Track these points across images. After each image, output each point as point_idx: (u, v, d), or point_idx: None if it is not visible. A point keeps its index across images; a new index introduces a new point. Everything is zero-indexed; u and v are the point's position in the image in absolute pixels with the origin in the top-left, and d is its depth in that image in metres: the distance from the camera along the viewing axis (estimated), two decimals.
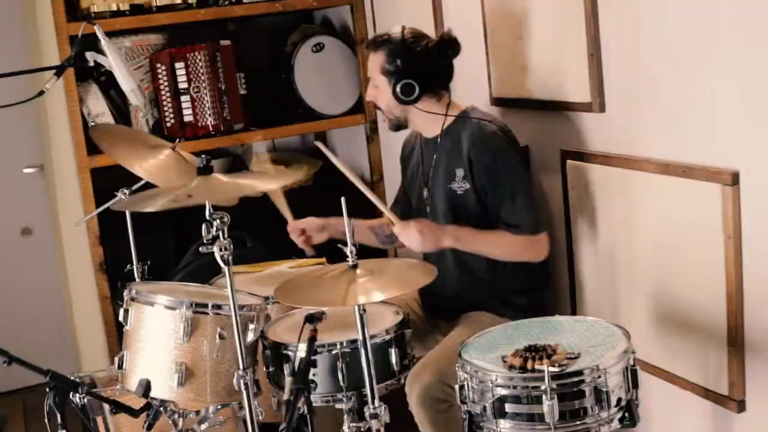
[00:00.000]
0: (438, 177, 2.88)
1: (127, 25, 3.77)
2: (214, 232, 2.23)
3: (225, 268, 2.25)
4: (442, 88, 2.87)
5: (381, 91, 2.86)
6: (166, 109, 3.88)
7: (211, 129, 3.90)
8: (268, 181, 2.54)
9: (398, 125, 2.93)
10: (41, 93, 2.59)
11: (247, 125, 4.03)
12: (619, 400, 2.13)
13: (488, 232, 2.72)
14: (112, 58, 2.70)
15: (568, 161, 2.88)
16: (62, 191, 3.87)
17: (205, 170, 2.29)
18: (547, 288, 2.99)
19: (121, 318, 2.54)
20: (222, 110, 3.90)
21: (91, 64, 2.69)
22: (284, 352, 2.54)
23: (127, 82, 2.73)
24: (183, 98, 3.87)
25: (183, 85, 3.87)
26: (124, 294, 2.54)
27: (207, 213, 2.23)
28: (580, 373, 2.10)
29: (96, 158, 3.72)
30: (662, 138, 2.50)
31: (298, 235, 3.06)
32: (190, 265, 3.89)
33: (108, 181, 3.30)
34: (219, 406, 2.63)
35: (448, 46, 2.81)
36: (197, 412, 2.64)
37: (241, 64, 4.06)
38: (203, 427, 2.63)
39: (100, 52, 2.71)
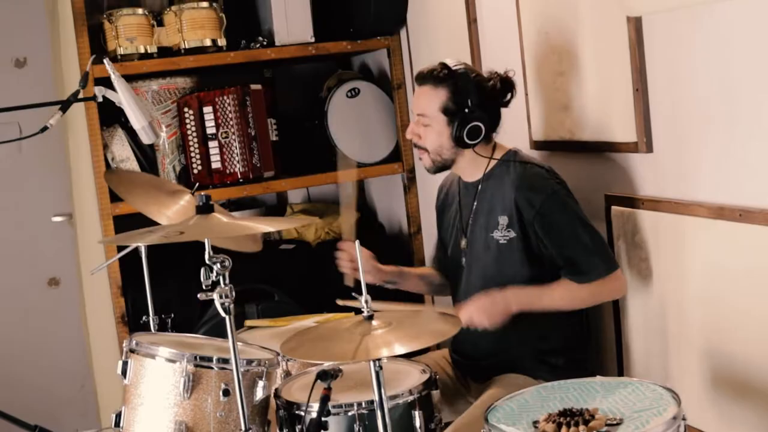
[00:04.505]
0: (478, 225, 2.65)
1: (154, 67, 3.65)
2: (213, 277, 2.03)
3: (226, 318, 2.04)
4: (495, 130, 2.66)
5: (434, 131, 2.60)
6: (193, 155, 3.73)
7: (239, 176, 3.73)
8: (270, 223, 2.33)
9: (441, 167, 2.68)
10: (44, 128, 2.45)
11: (277, 173, 3.85)
12: None
13: (554, 287, 2.49)
14: (122, 93, 2.55)
15: (613, 207, 2.63)
16: (84, 239, 3.72)
17: (204, 209, 2.10)
18: (589, 346, 2.71)
19: (119, 371, 2.34)
20: (251, 157, 3.73)
21: (100, 99, 2.55)
22: (296, 412, 2.32)
23: (138, 120, 2.57)
24: (211, 143, 3.71)
25: (211, 131, 3.71)
26: (123, 345, 2.35)
27: (206, 256, 2.03)
28: None
29: (119, 206, 3.58)
30: (715, 179, 2.25)
31: (346, 260, 2.75)
32: (214, 319, 3.70)
33: (132, 229, 3.14)
34: None
35: (508, 86, 2.62)
36: None
37: (273, 111, 3.91)
38: None
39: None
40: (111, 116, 3.65)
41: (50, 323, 4.39)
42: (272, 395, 2.46)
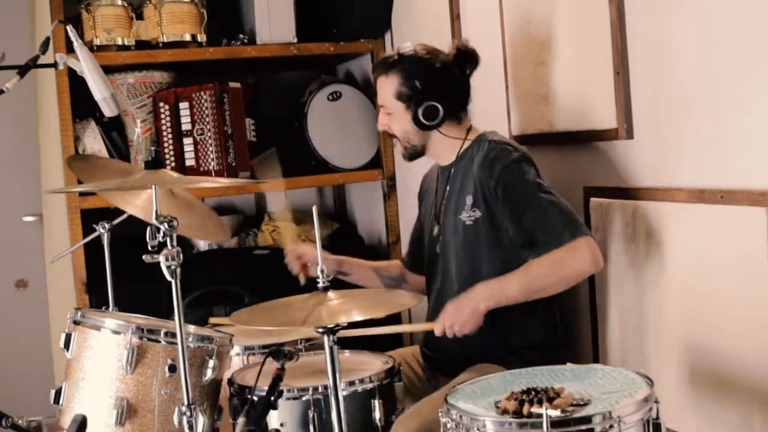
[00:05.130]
0: (449, 209, 2.53)
1: (130, 59, 3.55)
2: (160, 238, 1.90)
3: (172, 282, 1.91)
4: (463, 109, 2.55)
5: (396, 118, 2.53)
6: (167, 150, 3.61)
7: (213, 175, 3.61)
8: (217, 189, 2.21)
9: (415, 154, 2.59)
10: (0, 92, 2.34)
11: (253, 174, 3.74)
12: None
13: (513, 273, 2.32)
14: (84, 62, 2.45)
15: (592, 199, 2.52)
16: (51, 235, 3.60)
17: (153, 164, 1.99)
18: (567, 344, 2.56)
19: (61, 344, 2.20)
20: (226, 155, 3.61)
21: (61, 67, 2.45)
22: (249, 396, 2.18)
23: (99, 90, 2.47)
24: (186, 140, 3.60)
25: (186, 127, 3.60)
26: (68, 317, 2.21)
27: (153, 215, 1.91)
28: (587, 420, 1.70)
29: (87, 199, 3.46)
30: (696, 163, 2.15)
31: (295, 260, 2.70)
32: (184, 318, 3.55)
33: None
34: None
35: (468, 58, 2.51)
36: None
37: (253, 111, 3.81)
38: None
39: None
40: (85, 110, 3.56)
41: (17, 326, 4.24)
42: (226, 382, 2.34)
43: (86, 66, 2.45)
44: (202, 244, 4.04)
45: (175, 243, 1.91)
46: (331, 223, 4.19)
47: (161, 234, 1.90)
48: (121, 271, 3.03)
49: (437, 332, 2.33)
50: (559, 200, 2.33)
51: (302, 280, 2.69)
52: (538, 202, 2.31)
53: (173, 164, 3.61)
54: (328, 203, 4.47)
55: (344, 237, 4.15)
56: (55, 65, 2.44)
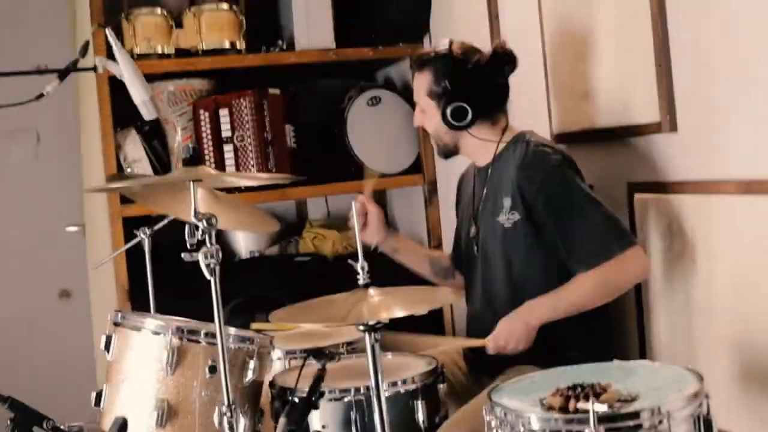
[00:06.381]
0: (487, 210, 2.50)
1: (170, 67, 3.57)
2: (199, 236, 1.89)
3: (210, 280, 1.90)
4: (497, 110, 2.51)
5: (429, 116, 2.52)
6: (207, 157, 3.62)
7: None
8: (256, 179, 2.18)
9: (448, 152, 2.58)
10: (40, 96, 2.36)
11: (294, 180, 3.73)
12: None
13: (565, 287, 2.32)
14: (123, 66, 2.45)
15: (636, 195, 2.48)
16: (93, 245, 3.62)
17: (191, 161, 1.98)
18: (612, 341, 2.52)
19: (102, 346, 2.20)
20: (266, 162, 3.62)
21: (101, 70, 2.45)
22: (290, 398, 2.16)
23: (138, 94, 2.46)
24: (226, 147, 3.61)
25: (226, 134, 3.61)
26: (108, 319, 2.21)
27: (192, 213, 1.90)
28: (635, 415, 1.64)
29: (129, 207, 3.47)
30: (742, 154, 2.10)
31: (359, 214, 2.63)
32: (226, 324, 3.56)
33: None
34: None
35: (504, 60, 2.48)
36: None
37: (292, 118, 3.80)
38: None
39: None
40: (126, 119, 3.58)
41: (60, 336, 4.28)
42: (267, 385, 2.32)
43: (125, 69, 2.45)
44: (244, 252, 4.04)
45: (213, 241, 1.89)
46: None
47: (200, 232, 1.89)
48: (163, 278, 3.03)
49: (491, 351, 2.35)
50: (604, 208, 2.30)
51: (351, 225, 2.57)
52: (583, 212, 2.29)
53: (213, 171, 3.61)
54: None
55: None
56: (95, 69, 2.45)
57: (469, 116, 2.44)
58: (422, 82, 2.52)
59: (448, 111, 2.45)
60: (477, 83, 2.46)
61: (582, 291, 2.31)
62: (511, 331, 2.32)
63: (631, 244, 2.27)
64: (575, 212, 2.30)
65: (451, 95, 2.45)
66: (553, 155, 2.37)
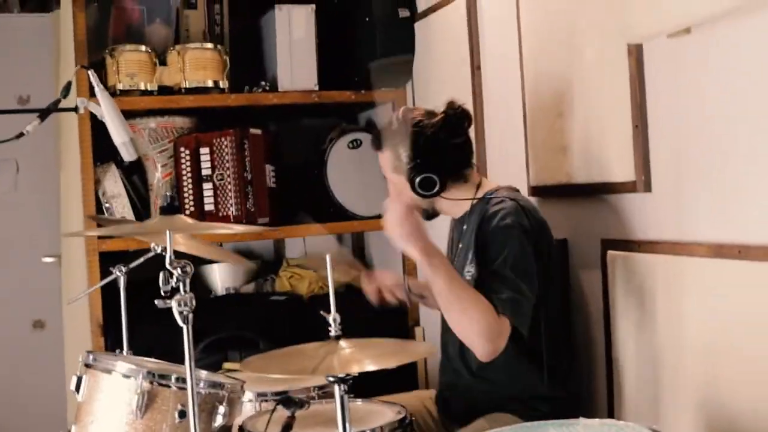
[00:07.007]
0: (458, 262, 2.53)
1: (153, 104, 3.58)
2: (174, 284, 1.90)
3: (183, 327, 1.90)
4: (465, 168, 2.52)
5: (402, 190, 2.49)
6: (187, 195, 3.63)
7: (232, 220, 3.62)
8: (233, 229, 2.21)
9: (428, 216, 2.57)
10: (20, 135, 2.36)
11: (273, 221, 3.75)
12: None
13: (466, 286, 2.27)
14: (105, 107, 2.47)
15: (609, 252, 2.50)
16: (69, 276, 3.61)
17: (168, 209, 1.99)
18: (580, 396, 2.53)
19: (72, 386, 2.19)
20: (245, 201, 3.63)
21: (81, 111, 2.47)
22: None
23: (119, 135, 2.49)
24: (205, 185, 3.62)
25: (206, 172, 3.63)
26: (79, 360, 2.20)
27: (167, 261, 1.91)
28: None
29: (106, 242, 3.47)
30: (714, 218, 2.13)
31: (375, 291, 2.79)
32: (198, 363, 3.55)
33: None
34: None
35: (457, 121, 2.48)
36: None
37: (273, 158, 3.83)
38: None
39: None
40: (106, 153, 3.59)
41: (33, 366, 4.25)
42: (237, 430, 2.31)
43: (107, 110, 2.47)
44: (220, 288, 4.04)
45: (188, 288, 1.90)
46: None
47: (174, 279, 1.90)
48: (138, 314, 3.02)
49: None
50: (520, 285, 2.25)
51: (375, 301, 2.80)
52: (502, 273, 2.26)
53: (192, 209, 3.62)
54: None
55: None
56: (75, 109, 2.47)
57: (438, 185, 2.43)
58: (385, 161, 2.52)
59: (416, 184, 2.43)
60: (437, 150, 2.44)
61: (457, 289, 2.24)
62: (404, 223, 2.26)
63: (510, 318, 2.21)
64: (495, 269, 2.27)
65: (415, 168, 2.43)
66: (508, 218, 2.34)
